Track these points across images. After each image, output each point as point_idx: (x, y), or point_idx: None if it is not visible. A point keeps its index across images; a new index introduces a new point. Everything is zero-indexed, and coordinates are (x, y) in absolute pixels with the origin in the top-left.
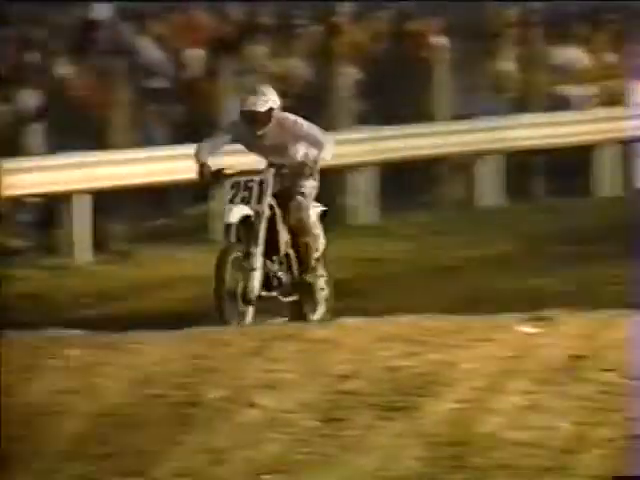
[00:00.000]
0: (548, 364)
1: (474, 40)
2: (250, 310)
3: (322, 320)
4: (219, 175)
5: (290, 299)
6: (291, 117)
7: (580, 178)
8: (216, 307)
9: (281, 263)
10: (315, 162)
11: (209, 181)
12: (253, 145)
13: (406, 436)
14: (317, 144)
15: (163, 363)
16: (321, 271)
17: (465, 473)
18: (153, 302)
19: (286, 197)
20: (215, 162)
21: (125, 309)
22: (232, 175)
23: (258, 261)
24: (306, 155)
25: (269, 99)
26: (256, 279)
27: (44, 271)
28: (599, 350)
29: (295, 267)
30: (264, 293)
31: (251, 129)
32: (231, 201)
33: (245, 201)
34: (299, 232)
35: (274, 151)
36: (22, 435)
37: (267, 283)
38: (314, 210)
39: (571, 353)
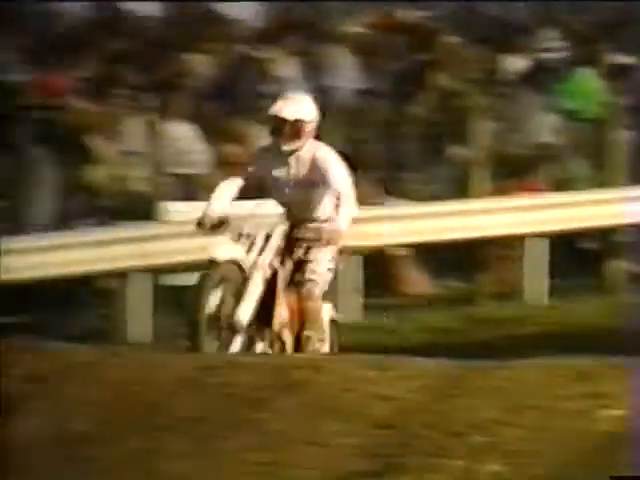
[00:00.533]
0: None
1: None
2: (237, 340)
3: None
4: (221, 225)
5: None
6: (325, 151)
7: None
8: (189, 336)
9: (272, 343)
10: (335, 232)
11: (208, 232)
12: (277, 175)
13: None
14: (338, 201)
15: None
16: None
17: None
18: None
19: (296, 269)
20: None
21: None
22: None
23: (256, 289)
24: (333, 215)
25: (300, 109)
26: (248, 305)
27: None
28: None
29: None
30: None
31: (276, 144)
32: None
33: (247, 250)
34: (305, 319)
35: (298, 190)
36: None
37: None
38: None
39: None
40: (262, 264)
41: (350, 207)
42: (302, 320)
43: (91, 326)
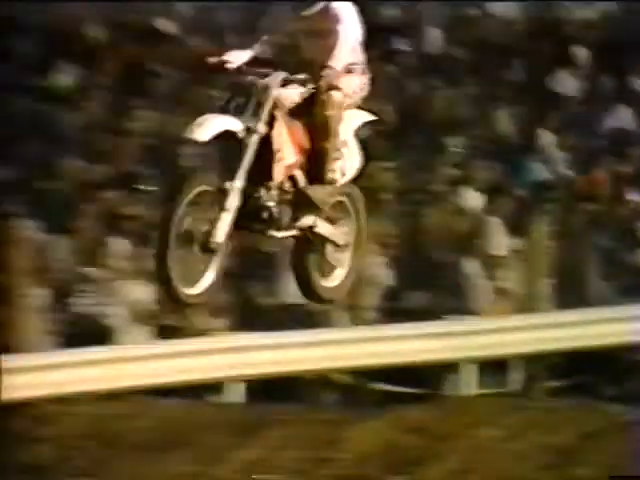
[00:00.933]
0: None
1: None
2: (214, 263)
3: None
4: (218, 68)
5: (285, 234)
6: (338, 7)
7: None
8: (156, 255)
9: (279, 190)
10: (330, 73)
11: (206, 73)
12: (292, 28)
13: None
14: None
15: None
16: (342, 218)
17: None
18: None
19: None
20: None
21: None
22: (237, 71)
23: (233, 201)
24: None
25: None
26: (225, 223)
27: None
28: None
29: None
30: (254, 225)
31: (295, 9)
32: (223, 109)
33: (239, 110)
34: (318, 135)
35: (312, 39)
36: None
37: (253, 215)
38: (355, 119)
39: None
40: (257, 127)
41: (345, 49)
42: (313, 138)
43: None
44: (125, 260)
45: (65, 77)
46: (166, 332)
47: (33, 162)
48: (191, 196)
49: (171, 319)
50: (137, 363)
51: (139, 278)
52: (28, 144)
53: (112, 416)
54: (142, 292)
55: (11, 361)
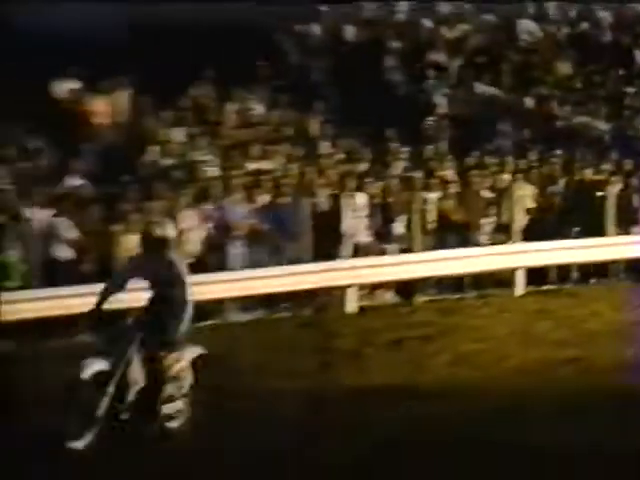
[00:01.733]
0: None
1: None
2: (94, 428)
3: None
4: (101, 318)
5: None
6: (179, 258)
7: None
8: (65, 404)
9: (135, 407)
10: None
11: (95, 324)
12: (145, 270)
13: None
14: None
15: None
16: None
17: None
18: None
19: (153, 340)
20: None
21: None
22: (112, 316)
23: (109, 392)
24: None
25: (159, 230)
26: (104, 404)
27: None
28: None
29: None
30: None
31: (145, 253)
32: (98, 350)
33: (107, 352)
34: (157, 379)
35: (159, 285)
36: None
37: (115, 415)
38: (187, 356)
39: None
40: (120, 364)
41: (186, 317)
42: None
43: None
44: None
45: None
46: None
47: None
48: (92, 375)
49: None
50: None
51: None
52: None
53: None
54: None
55: None
